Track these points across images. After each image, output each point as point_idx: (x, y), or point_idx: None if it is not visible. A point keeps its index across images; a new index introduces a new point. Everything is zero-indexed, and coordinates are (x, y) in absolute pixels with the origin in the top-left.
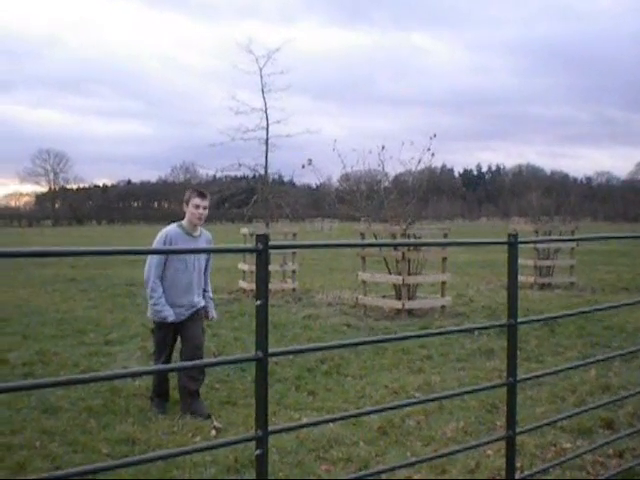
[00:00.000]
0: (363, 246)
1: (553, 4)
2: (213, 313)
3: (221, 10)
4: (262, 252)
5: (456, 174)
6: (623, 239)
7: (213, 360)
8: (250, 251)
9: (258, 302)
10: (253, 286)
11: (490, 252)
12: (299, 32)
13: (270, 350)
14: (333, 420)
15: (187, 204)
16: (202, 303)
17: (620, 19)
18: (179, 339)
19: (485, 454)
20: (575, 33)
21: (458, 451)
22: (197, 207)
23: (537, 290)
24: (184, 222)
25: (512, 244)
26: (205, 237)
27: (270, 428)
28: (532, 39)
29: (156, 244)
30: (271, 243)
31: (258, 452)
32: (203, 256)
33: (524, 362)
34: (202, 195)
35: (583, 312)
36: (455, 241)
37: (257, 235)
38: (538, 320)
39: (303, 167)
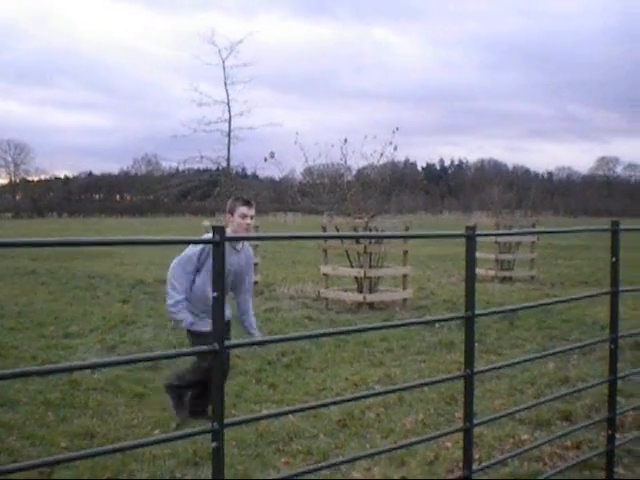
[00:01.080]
0: (322, 238)
1: (517, 1)
2: (256, 333)
3: (182, 2)
4: (219, 244)
5: (419, 168)
6: (583, 233)
7: (170, 352)
8: (206, 242)
9: (215, 294)
10: None
11: (452, 246)
12: (261, 25)
13: (227, 342)
14: (290, 412)
15: (232, 214)
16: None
17: (582, 18)
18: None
19: (444, 446)
20: (538, 30)
21: (416, 442)
22: (244, 217)
23: (498, 283)
24: (230, 230)
25: (470, 237)
26: (247, 252)
27: (226, 421)
28: (495, 35)
29: (190, 251)
30: (228, 235)
31: (214, 444)
32: (243, 270)
33: (484, 355)
34: (249, 204)
35: (541, 305)
36: (414, 234)
37: (213, 227)
38: (496, 312)
39: (265, 160)
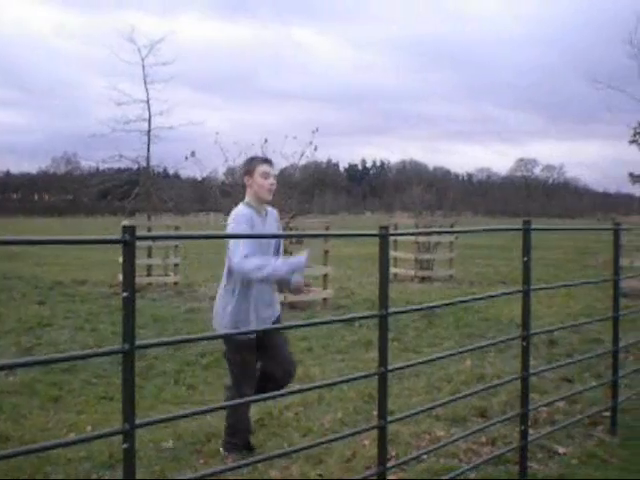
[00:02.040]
0: (242, 237)
1: (436, 4)
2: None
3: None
4: (129, 243)
5: (341, 169)
6: (501, 233)
7: (79, 353)
8: (116, 242)
9: (125, 294)
10: None
11: (373, 245)
12: (180, 24)
13: (137, 342)
14: (203, 412)
15: (250, 175)
16: (279, 310)
17: (501, 23)
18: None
19: (361, 444)
20: (457, 34)
21: (332, 440)
22: (267, 176)
23: (417, 283)
24: (249, 200)
25: (383, 236)
26: (273, 215)
27: (137, 421)
28: (415, 38)
29: (238, 225)
30: (138, 234)
31: (125, 446)
32: (272, 240)
33: (402, 353)
34: (269, 162)
35: (457, 302)
36: (329, 233)
37: (124, 226)
38: (410, 311)
39: (186, 159)
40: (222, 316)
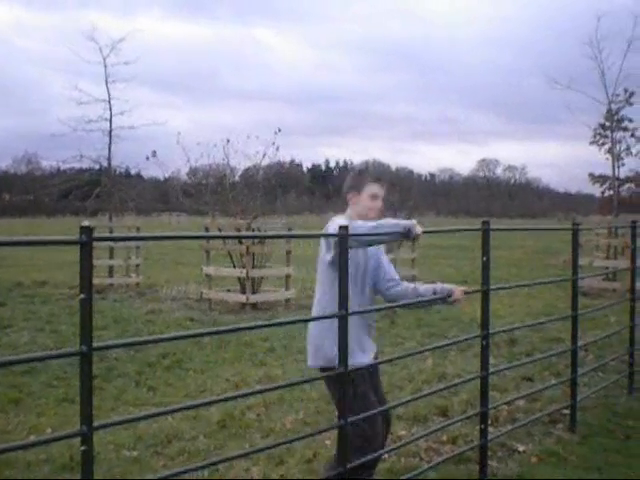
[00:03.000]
0: (202, 238)
1: (397, 5)
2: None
3: None
4: (86, 244)
5: (305, 169)
6: (463, 233)
7: (37, 355)
8: (73, 243)
9: (82, 296)
10: (94, 280)
11: None
12: (142, 24)
13: (96, 344)
14: (162, 414)
15: (358, 191)
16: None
17: (461, 25)
18: None
19: (323, 444)
20: (417, 35)
21: (293, 440)
22: (375, 198)
23: None
24: (352, 215)
25: (342, 237)
26: None
27: (95, 424)
28: (375, 38)
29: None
30: (95, 235)
31: (83, 448)
32: (374, 255)
33: None
34: (381, 181)
35: (413, 302)
36: (291, 234)
37: (81, 227)
38: (369, 311)
39: (147, 159)
40: (324, 340)
